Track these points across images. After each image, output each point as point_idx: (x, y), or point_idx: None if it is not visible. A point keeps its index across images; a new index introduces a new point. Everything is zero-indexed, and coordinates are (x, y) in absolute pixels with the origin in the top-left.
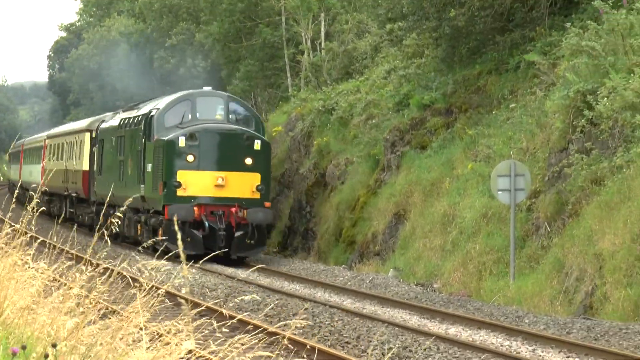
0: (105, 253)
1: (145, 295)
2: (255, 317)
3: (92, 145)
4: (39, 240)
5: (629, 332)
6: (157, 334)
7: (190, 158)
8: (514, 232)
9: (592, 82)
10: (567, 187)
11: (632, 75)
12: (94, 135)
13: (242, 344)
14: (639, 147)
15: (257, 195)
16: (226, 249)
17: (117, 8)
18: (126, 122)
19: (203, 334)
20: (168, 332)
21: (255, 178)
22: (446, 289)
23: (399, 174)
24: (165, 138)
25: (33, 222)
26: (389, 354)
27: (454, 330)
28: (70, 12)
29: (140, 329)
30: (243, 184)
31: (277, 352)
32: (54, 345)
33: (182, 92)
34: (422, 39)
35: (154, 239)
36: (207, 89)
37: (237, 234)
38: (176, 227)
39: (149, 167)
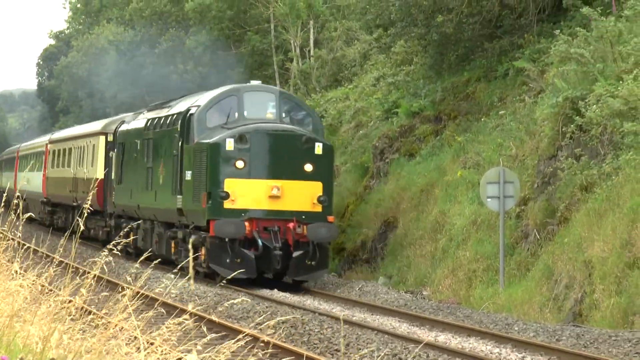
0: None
1: (132, 303)
2: (245, 325)
3: (108, 150)
4: (25, 247)
5: (618, 339)
6: (148, 342)
7: (239, 164)
8: (504, 239)
9: (581, 89)
10: (557, 194)
11: (620, 82)
12: (110, 138)
13: (230, 350)
14: (628, 154)
15: (319, 208)
16: (282, 272)
17: (106, 16)
18: (155, 122)
19: (193, 341)
20: (154, 340)
21: (316, 187)
22: (436, 297)
23: (388, 182)
24: (210, 140)
25: (20, 229)
26: None
27: (443, 338)
28: (60, 19)
29: (133, 335)
30: (302, 195)
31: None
32: None
33: (227, 87)
34: (410, 46)
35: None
36: (255, 82)
37: (296, 253)
38: (190, 246)
39: (189, 174)
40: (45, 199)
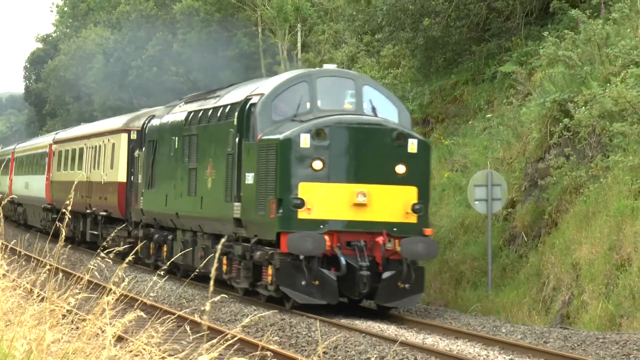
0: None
1: (113, 304)
2: (233, 327)
3: (131, 150)
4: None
5: (605, 341)
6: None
7: (317, 165)
8: (491, 241)
9: (569, 91)
10: (545, 196)
11: (608, 84)
12: (133, 136)
13: (220, 354)
14: (617, 156)
15: (414, 219)
16: (369, 296)
17: (94, 19)
18: (200, 115)
19: (181, 344)
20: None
21: (410, 193)
22: (423, 299)
23: None
24: (280, 136)
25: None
26: None
27: (431, 340)
28: (47, 23)
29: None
30: (393, 203)
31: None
32: None
33: (295, 72)
34: (398, 50)
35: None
36: (330, 66)
37: (386, 274)
38: (219, 248)
39: (250, 177)
40: (49, 205)
